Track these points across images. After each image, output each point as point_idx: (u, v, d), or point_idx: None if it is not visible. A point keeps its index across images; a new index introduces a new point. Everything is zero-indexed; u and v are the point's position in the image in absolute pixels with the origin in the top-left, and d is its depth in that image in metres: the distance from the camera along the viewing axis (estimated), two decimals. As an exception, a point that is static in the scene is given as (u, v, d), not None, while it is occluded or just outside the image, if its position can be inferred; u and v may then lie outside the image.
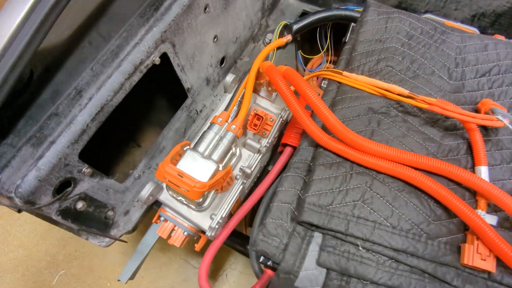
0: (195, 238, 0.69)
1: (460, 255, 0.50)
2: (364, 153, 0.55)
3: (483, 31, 0.86)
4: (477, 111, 0.61)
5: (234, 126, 0.59)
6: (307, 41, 1.15)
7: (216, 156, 0.57)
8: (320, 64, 1.14)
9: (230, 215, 0.66)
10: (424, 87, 0.62)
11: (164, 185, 0.62)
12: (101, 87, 0.54)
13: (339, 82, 0.67)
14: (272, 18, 1.02)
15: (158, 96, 0.97)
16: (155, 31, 0.58)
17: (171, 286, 1.26)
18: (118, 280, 0.72)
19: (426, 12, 0.90)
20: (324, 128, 0.58)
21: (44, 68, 0.48)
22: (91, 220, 0.64)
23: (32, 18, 0.41)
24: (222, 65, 0.86)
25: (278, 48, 1.03)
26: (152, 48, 0.59)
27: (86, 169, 0.56)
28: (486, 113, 0.57)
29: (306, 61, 1.16)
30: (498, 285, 0.49)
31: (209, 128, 0.59)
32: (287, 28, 0.97)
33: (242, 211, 0.64)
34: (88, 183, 0.59)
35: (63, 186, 0.55)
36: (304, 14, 1.03)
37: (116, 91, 0.55)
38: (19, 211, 0.55)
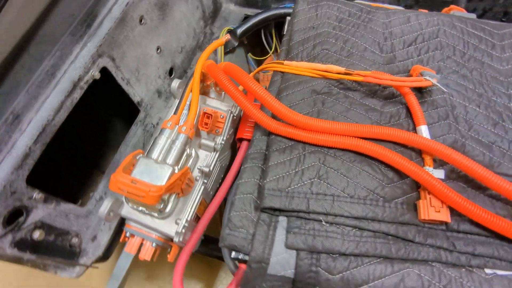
0: (168, 250, 0.67)
1: (417, 212, 0.52)
2: (312, 132, 0.57)
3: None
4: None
5: (185, 128, 0.59)
6: (257, 44, 1.18)
7: (170, 159, 0.57)
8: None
9: (198, 218, 0.66)
10: (359, 63, 0.65)
11: (123, 199, 0.60)
12: (40, 108, 0.53)
13: (282, 72, 0.69)
14: (216, 25, 1.05)
15: (116, 119, 0.96)
16: (90, 46, 0.58)
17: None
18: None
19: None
20: (275, 117, 0.60)
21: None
22: (53, 249, 0.61)
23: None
24: (172, 76, 0.87)
25: (227, 53, 1.06)
26: (89, 63, 0.58)
27: (37, 194, 0.54)
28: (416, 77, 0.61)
29: (259, 64, 1.19)
30: (456, 234, 0.52)
31: (160, 133, 0.59)
32: (231, 33, 1.00)
33: (209, 212, 0.64)
34: (44, 210, 0.56)
35: (15, 216, 0.52)
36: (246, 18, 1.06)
37: (56, 110, 0.54)
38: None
